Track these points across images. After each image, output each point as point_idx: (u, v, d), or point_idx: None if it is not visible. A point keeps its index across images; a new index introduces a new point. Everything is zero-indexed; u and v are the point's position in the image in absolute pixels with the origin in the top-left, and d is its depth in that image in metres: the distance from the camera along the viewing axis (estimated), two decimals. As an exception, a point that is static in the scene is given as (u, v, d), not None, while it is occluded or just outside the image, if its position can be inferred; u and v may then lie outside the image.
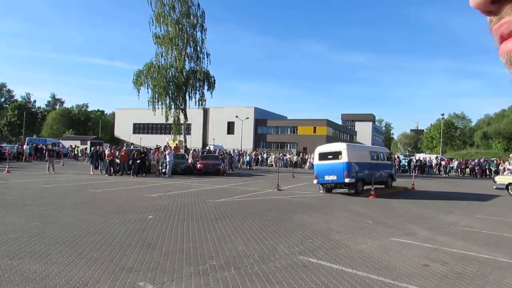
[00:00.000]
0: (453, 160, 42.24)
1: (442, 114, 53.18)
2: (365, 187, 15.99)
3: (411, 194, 17.49)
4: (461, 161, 40.49)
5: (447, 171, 37.26)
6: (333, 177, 15.52)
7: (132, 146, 33.70)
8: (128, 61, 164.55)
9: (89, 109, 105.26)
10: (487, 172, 33.69)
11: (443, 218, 10.73)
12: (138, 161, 22.98)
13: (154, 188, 16.35)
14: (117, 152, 23.25)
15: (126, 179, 20.47)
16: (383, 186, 17.97)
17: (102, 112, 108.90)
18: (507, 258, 6.46)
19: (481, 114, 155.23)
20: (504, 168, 29.32)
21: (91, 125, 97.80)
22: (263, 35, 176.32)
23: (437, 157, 43.35)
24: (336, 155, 15.85)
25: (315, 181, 16.14)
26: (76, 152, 44.73)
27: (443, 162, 39.61)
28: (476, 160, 38.32)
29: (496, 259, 6.37)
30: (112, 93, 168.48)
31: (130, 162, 22.63)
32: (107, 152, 23.46)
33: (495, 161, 35.49)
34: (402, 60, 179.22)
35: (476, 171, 34.83)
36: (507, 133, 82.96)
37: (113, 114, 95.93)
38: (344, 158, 15.45)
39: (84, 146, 51.58)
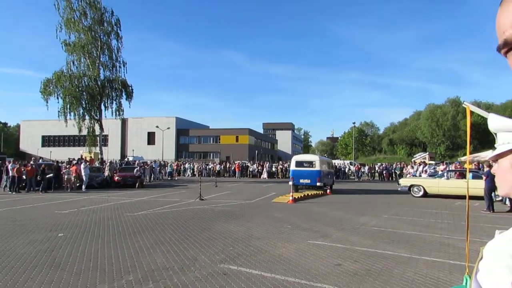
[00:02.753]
0: (364, 165, 45.53)
1: (354, 123, 57.04)
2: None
3: (327, 198, 18.45)
4: (371, 166, 43.83)
5: (359, 175, 40.02)
6: (307, 181, 20.05)
7: (41, 160, 31.02)
8: (34, 69, 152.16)
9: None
10: (393, 176, 36.82)
11: (356, 219, 11.48)
12: (48, 175, 21.28)
13: (66, 204, 15.22)
14: (23, 167, 21.25)
15: (33, 196, 18.79)
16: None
17: (5, 124, 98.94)
18: (408, 253, 7.11)
19: (387, 122, 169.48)
20: (407, 172, 32.31)
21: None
22: (181, 44, 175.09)
23: (350, 163, 46.42)
24: (310, 164, 20.23)
25: (290, 183, 18.29)
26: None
27: (352, 167, 42.58)
28: (383, 165, 41.73)
29: (400, 255, 6.97)
30: (16, 104, 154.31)
31: (39, 177, 20.85)
32: (10, 167, 21.33)
33: (398, 165, 38.89)
34: (319, 71, 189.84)
35: (384, 174, 37.90)
36: (409, 139, 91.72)
37: (18, 126, 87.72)
38: (317, 167, 20.03)
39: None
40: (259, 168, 42.24)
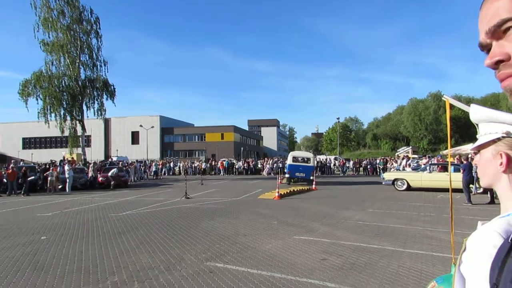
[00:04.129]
0: (349, 160, 45.97)
1: (338, 118, 57.32)
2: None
3: (313, 194, 18.58)
4: (356, 161, 44.28)
5: (344, 170, 40.40)
6: (302, 174, 22.96)
7: (22, 163, 30.38)
8: (12, 70, 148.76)
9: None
10: (378, 170, 37.29)
11: (341, 214, 11.59)
12: (30, 178, 20.88)
13: (49, 206, 14.96)
14: (3, 171, 20.78)
15: (15, 199, 18.41)
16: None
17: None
18: (392, 246, 7.22)
19: (371, 117, 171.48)
20: (391, 166, 32.76)
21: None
22: (164, 42, 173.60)
23: (335, 158, 46.80)
24: (305, 160, 23.55)
25: (287, 175, 23.02)
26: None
27: (337, 162, 42.97)
28: (367, 160, 42.22)
29: (384, 248, 7.08)
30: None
31: (20, 180, 20.43)
32: (-11, 170, 20.87)
33: (382, 160, 39.40)
34: (302, 68, 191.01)
35: (368, 169, 38.35)
36: (393, 134, 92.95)
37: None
38: (312, 163, 23.60)
39: (-39, 165, 45.13)
40: (245, 165, 42.25)
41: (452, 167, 17.24)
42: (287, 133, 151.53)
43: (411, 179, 19.01)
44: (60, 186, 22.08)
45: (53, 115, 27.99)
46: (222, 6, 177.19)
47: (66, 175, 22.23)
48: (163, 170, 41.59)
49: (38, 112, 27.60)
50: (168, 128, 75.35)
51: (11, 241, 8.22)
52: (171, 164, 45.24)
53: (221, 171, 41.43)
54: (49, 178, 21.95)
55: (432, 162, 24.69)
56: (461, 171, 14.66)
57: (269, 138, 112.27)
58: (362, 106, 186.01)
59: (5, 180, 20.38)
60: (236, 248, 7.20)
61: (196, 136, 76.79)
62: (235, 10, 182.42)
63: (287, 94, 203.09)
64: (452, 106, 4.49)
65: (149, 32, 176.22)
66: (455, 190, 15.24)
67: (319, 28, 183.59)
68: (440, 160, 26.63)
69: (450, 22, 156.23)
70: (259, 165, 42.36)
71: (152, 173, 38.02)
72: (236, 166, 42.17)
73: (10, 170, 20.62)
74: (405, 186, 18.89)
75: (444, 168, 18.45)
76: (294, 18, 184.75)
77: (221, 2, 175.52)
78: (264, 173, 38.06)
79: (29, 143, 76.52)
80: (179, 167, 43.92)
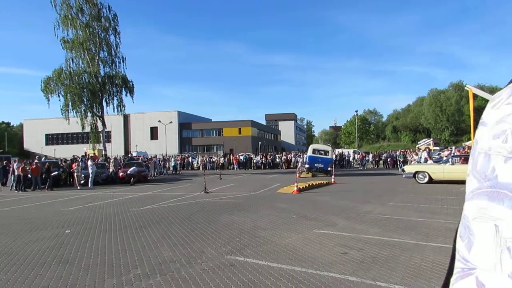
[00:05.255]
0: (369, 153, 45.44)
1: (356, 111, 56.57)
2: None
3: (332, 187, 18.45)
4: (375, 154, 43.74)
5: (363, 164, 39.97)
6: (321, 165, 25.30)
7: (44, 159, 31.13)
8: (35, 67, 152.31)
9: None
10: (398, 163, 36.76)
11: (361, 207, 11.47)
12: (53, 173, 21.40)
13: (72, 201, 15.32)
14: (28, 166, 21.35)
15: (39, 194, 18.92)
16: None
17: (8, 124, 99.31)
18: (414, 240, 7.10)
19: (391, 109, 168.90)
20: (411, 158, 32.22)
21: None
22: (181, 38, 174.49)
23: (354, 151, 46.33)
24: (325, 152, 25.92)
25: (306, 166, 26.03)
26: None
27: (357, 156, 42.49)
28: (387, 152, 41.64)
29: (406, 242, 6.97)
30: (18, 103, 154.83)
31: (44, 175, 20.96)
32: (15, 166, 21.45)
33: (401, 153, 38.78)
34: (320, 61, 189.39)
35: (388, 162, 37.83)
36: (413, 126, 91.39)
37: (21, 125, 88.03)
38: (330, 155, 26.17)
39: (-12, 162, 46.58)
40: (263, 159, 42.26)
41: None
42: (305, 127, 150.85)
43: (432, 171, 18.66)
44: (82, 181, 22.56)
45: (74, 111, 28.52)
46: (238, 0, 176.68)
47: (90, 170, 22.66)
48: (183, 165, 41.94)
49: (61, 109, 28.17)
50: (186, 123, 76.00)
51: (37, 234, 8.44)
52: (190, 159, 45.65)
53: (235, 166, 41.49)
54: (75, 174, 22.45)
55: (454, 154, 24.18)
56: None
57: (287, 132, 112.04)
58: (381, 98, 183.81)
59: (29, 175, 20.94)
60: (256, 242, 7.22)
61: (214, 131, 77.24)
62: (251, 4, 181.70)
63: (305, 88, 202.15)
64: (475, 96, 4.38)
65: (166, 29, 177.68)
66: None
67: (337, 19, 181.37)
68: (462, 151, 26.04)
69: (471, 9, 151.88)
70: (277, 160, 42.30)
71: (171, 168, 38.45)
72: (254, 161, 42.24)
73: (34, 166, 21.18)
74: (426, 179, 18.55)
75: (466, 159, 18.02)
76: (312, 10, 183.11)
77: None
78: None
79: (52, 139, 78.41)
80: (198, 162, 44.27)
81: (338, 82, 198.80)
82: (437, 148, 40.24)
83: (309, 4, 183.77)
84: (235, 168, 40.87)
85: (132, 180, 23.33)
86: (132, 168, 23.94)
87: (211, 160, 44.03)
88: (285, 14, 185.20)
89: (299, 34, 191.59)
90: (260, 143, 73.41)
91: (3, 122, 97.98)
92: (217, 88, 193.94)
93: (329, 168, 24.35)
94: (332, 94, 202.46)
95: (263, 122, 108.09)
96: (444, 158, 21.70)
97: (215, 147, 73.33)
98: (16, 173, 21.04)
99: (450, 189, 15.98)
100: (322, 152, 25.89)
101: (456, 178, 17.48)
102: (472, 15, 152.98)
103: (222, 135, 75.32)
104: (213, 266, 5.65)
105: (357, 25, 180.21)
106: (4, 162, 27.51)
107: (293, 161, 39.05)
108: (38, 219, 10.80)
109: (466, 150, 25.95)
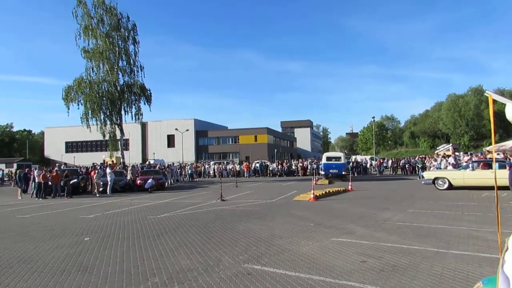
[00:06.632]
0: (386, 160, 44.83)
1: (373, 117, 56.05)
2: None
3: (349, 194, 18.25)
4: (393, 160, 43.12)
5: (381, 170, 39.45)
6: (335, 171, 28.18)
7: (64, 166, 31.72)
8: (56, 76, 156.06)
9: (14, 129, 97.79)
10: (416, 169, 36.13)
11: (379, 215, 11.30)
12: (72, 181, 21.77)
13: (90, 208, 15.54)
14: (48, 174, 21.79)
15: (59, 201, 19.25)
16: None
17: (29, 131, 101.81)
18: (435, 248, 6.95)
19: (408, 115, 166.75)
20: (430, 164, 31.63)
21: (17, 146, 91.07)
22: (197, 46, 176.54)
23: (371, 158, 45.79)
24: (337, 158, 29.12)
25: (322, 172, 28.97)
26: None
27: (374, 162, 41.95)
28: (405, 158, 41.01)
29: (426, 249, 6.82)
30: (39, 111, 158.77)
31: (62, 183, 21.34)
32: (36, 173, 21.91)
33: (420, 159, 38.09)
34: (336, 67, 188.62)
35: (407, 168, 37.23)
36: (431, 132, 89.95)
37: (42, 133, 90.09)
38: (342, 161, 29.08)
39: (10, 169, 47.84)
40: (279, 166, 42.13)
41: (497, 163, 16.43)
42: (321, 133, 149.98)
43: (452, 177, 18.30)
44: (101, 189, 22.85)
45: (93, 119, 28.98)
46: (252, 7, 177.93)
47: (108, 178, 22.96)
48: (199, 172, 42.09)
49: (81, 117, 28.67)
50: (202, 131, 76.55)
51: (56, 242, 8.58)
52: (206, 167, 45.81)
53: (245, 173, 41.39)
54: (95, 181, 22.79)
55: (473, 159, 23.63)
56: (507, 168, 13.91)
57: (303, 139, 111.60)
58: (398, 104, 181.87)
59: (50, 183, 21.35)
60: (273, 250, 7.17)
61: (230, 139, 77.54)
62: (266, 11, 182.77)
63: (320, 94, 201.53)
64: (495, 101, 4.27)
65: (182, 37, 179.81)
66: (501, 188, 14.54)
67: (352, 25, 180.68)
68: (481, 157, 25.42)
69: (489, 13, 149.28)
70: (293, 167, 42.12)
71: (188, 175, 38.67)
72: (270, 168, 42.15)
73: (54, 173, 21.59)
74: (446, 185, 18.20)
75: (487, 165, 17.63)
76: (327, 17, 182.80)
77: (251, 5, 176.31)
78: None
79: (71, 147, 79.97)
80: (214, 170, 44.39)
81: (354, 88, 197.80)
82: (457, 153, 39.40)
83: (324, 10, 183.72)
84: (249, 176, 40.81)
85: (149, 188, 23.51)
86: (149, 182, 23.88)
87: (227, 167, 44.06)
88: (299, 20, 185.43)
89: (313, 41, 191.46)
90: (276, 150, 73.30)
91: (24, 130, 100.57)
92: (233, 96, 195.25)
93: (343, 172, 27.56)
94: (348, 100, 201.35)
95: (279, 129, 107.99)
96: (464, 164, 21.24)
97: (231, 154, 73.50)
98: (37, 181, 21.47)
99: (471, 195, 15.62)
100: (335, 158, 29.12)
101: (476, 184, 17.09)
102: (490, 19, 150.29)
103: (238, 142, 75.51)
104: (231, 275, 5.63)
105: (372, 31, 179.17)
106: (26, 169, 28.12)
107: (309, 168, 38.79)
108: (58, 226, 10.98)
109: (485, 155, 25.33)
